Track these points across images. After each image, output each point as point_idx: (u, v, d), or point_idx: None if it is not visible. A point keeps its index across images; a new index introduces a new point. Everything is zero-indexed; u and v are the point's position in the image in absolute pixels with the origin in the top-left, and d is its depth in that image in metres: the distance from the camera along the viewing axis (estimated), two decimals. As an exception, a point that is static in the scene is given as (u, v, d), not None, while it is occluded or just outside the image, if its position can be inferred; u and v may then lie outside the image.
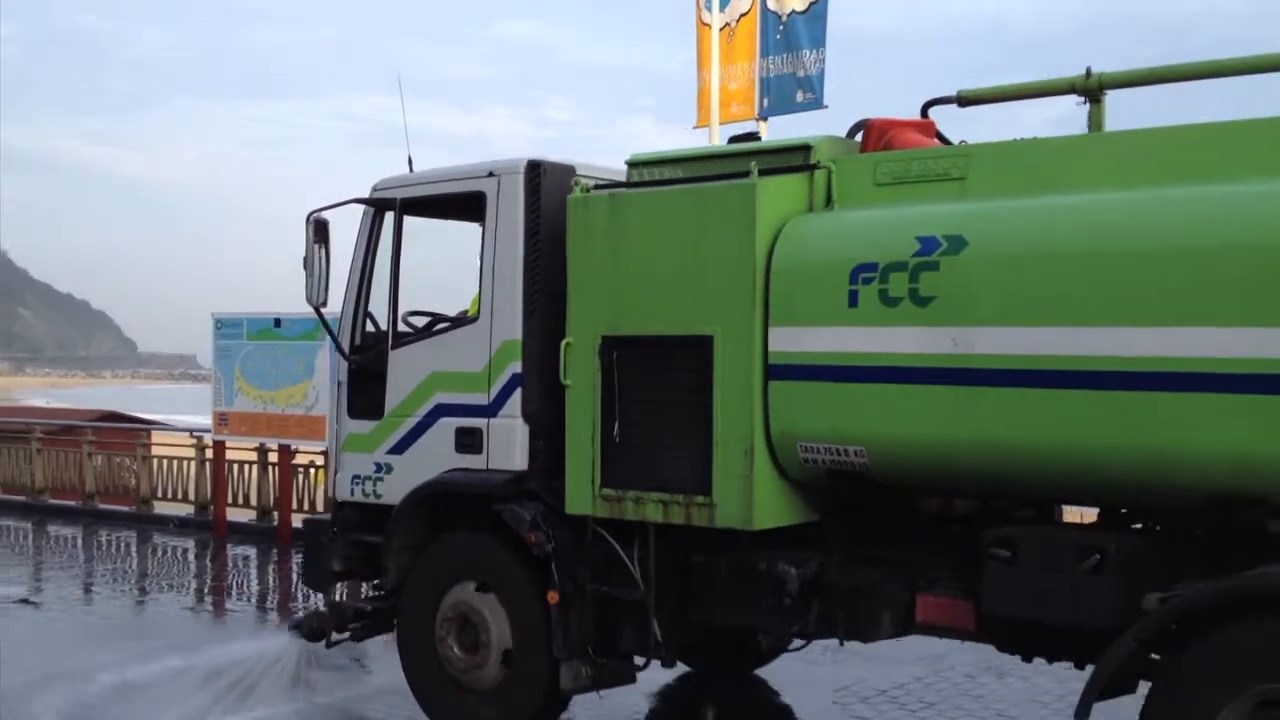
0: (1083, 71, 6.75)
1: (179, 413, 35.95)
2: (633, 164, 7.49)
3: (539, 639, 7.26)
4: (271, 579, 14.76)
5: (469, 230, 8.03)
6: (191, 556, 15.85)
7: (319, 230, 7.91)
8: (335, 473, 8.46)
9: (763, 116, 15.01)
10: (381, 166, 8.51)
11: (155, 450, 19.42)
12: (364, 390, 8.19)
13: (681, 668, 8.95)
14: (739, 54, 15.16)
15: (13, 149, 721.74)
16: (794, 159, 6.91)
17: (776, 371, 6.56)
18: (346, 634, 8.39)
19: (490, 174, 7.66)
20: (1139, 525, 6.19)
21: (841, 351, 6.38)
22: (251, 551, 15.94)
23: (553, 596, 7.16)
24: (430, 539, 7.82)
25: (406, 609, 7.94)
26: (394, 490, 7.95)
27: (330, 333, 8.26)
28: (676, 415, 6.80)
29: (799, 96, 14.75)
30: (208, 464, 17.81)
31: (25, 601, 12.08)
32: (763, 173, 6.69)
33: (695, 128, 15.65)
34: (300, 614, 8.67)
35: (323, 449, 15.09)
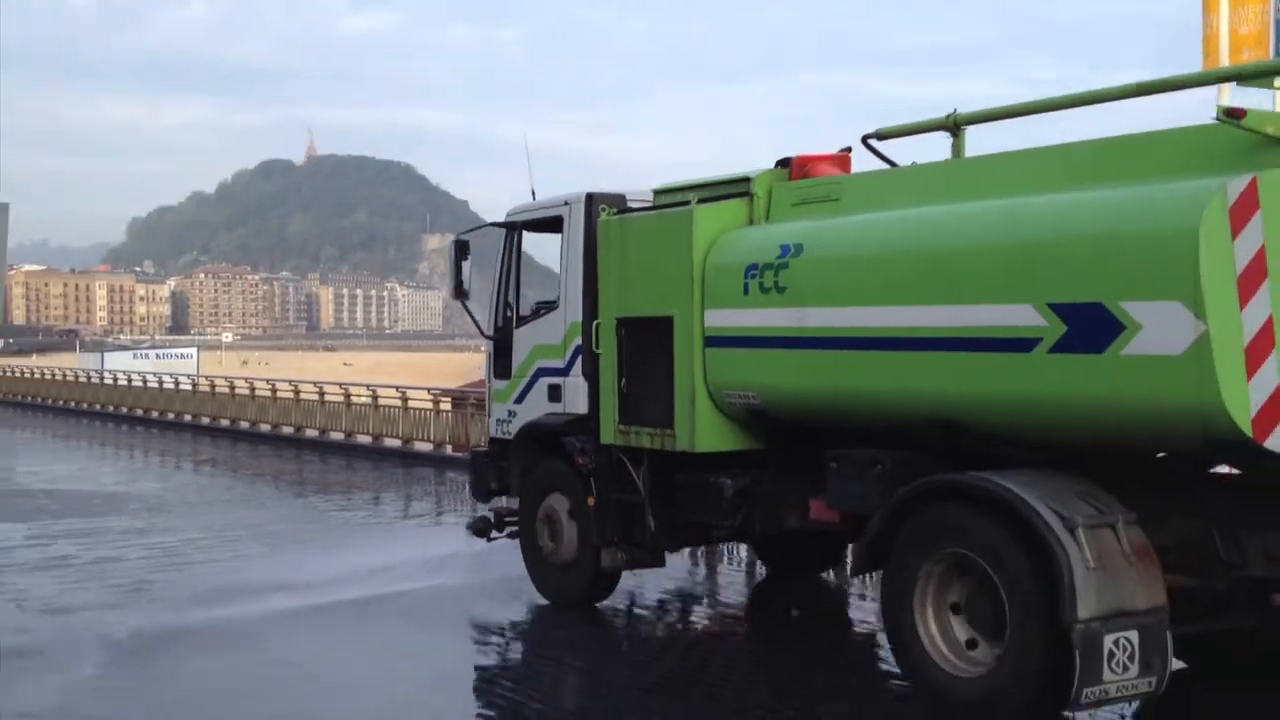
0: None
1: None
2: (657, 192, 10.40)
3: (589, 532, 10.34)
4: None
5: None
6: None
7: (461, 248, 11.32)
8: (489, 417, 11.85)
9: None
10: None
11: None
12: (501, 358, 11.54)
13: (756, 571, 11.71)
14: (1252, -6, 14.15)
15: (514, 143, 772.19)
16: (739, 188, 9.61)
17: (709, 341, 9.33)
18: (504, 532, 11.73)
19: (565, 203, 10.77)
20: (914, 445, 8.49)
21: (739, 326, 9.09)
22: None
23: (590, 501, 10.23)
24: (535, 463, 11.05)
25: (521, 512, 11.22)
26: (516, 430, 11.24)
27: (473, 319, 11.66)
28: (655, 372, 9.68)
29: None
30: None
31: None
32: (701, 200, 9.48)
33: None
34: (472, 519, 12.09)
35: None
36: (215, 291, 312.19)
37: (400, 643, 10.07)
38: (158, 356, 64.10)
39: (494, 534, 11.73)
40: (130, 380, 38.49)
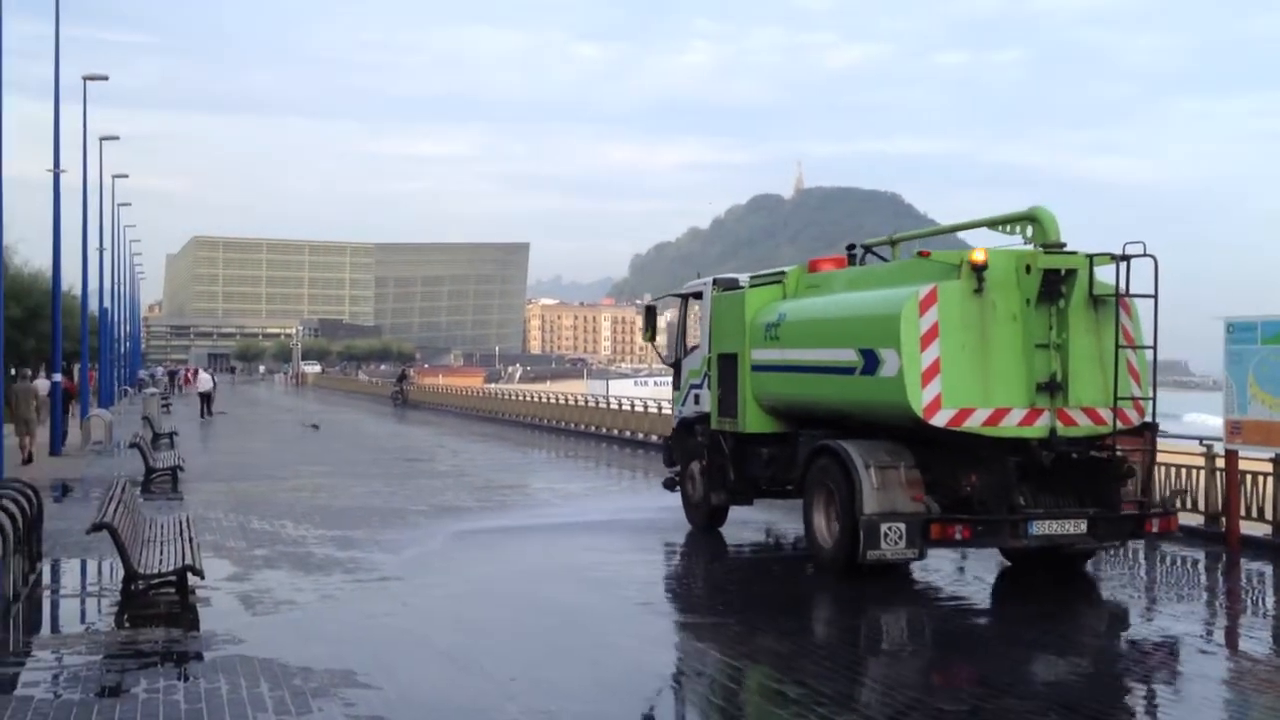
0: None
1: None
2: (751, 278, 17.14)
3: (706, 482, 17.16)
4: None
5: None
6: (1202, 569, 15.26)
7: (649, 310, 18.50)
8: (672, 414, 18.87)
9: None
10: None
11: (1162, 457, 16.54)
12: (677, 378, 18.57)
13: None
14: None
15: (1006, 168, 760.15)
16: (777, 279, 16.22)
17: (754, 368, 15.96)
18: (686, 487, 18.67)
19: (705, 282, 17.68)
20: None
21: (763, 359, 15.70)
22: (1267, 569, 15.13)
23: (704, 463, 17.06)
24: (684, 441, 17.97)
25: (680, 472, 18.15)
26: (678, 422, 18.24)
27: (658, 354, 18.73)
28: (732, 385, 16.38)
29: None
30: (1218, 474, 16.76)
31: None
32: (753, 285, 16.20)
33: None
34: (665, 478, 19.00)
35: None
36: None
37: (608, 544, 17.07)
38: (655, 384, 70.38)
39: (677, 488, 18.69)
40: (632, 406, 40.62)
